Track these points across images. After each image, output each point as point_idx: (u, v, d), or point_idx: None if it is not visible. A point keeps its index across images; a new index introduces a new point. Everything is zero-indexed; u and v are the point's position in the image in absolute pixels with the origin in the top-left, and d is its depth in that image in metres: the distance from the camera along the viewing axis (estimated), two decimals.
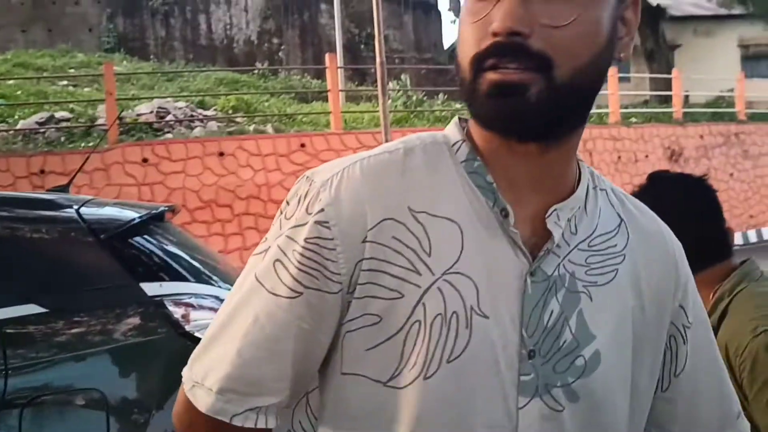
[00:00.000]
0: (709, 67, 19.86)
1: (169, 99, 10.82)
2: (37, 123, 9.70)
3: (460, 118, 0.93)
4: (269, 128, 10.41)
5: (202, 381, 0.87)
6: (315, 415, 0.92)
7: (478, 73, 0.82)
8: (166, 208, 3.23)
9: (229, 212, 9.12)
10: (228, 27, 17.42)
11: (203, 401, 0.86)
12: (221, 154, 9.26)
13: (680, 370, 0.97)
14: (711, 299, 1.64)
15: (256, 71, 14.78)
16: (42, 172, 8.49)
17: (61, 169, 8.42)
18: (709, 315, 1.20)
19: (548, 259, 0.86)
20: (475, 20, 0.82)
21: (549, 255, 0.86)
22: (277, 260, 0.85)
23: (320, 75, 14.26)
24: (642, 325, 0.92)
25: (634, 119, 13.65)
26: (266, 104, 12.04)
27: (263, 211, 9.19)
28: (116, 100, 9.72)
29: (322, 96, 12.70)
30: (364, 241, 0.83)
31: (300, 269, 0.84)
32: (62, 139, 9.40)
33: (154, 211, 3.09)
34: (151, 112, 10.22)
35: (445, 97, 13.19)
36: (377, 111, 8.46)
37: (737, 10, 19.43)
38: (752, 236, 13.74)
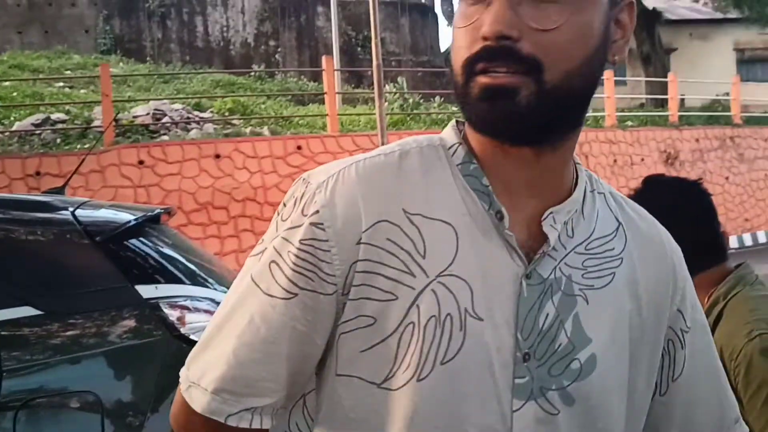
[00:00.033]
0: (705, 71, 19.92)
1: (165, 101, 10.81)
2: (33, 124, 9.69)
3: (457, 121, 0.93)
4: (266, 130, 10.41)
5: (198, 381, 0.87)
6: (311, 417, 0.92)
7: (469, 77, 0.82)
8: (162, 211, 3.23)
9: (225, 214, 9.11)
10: (225, 29, 17.42)
11: (199, 401, 0.86)
12: (217, 156, 9.26)
13: (678, 374, 0.97)
14: (706, 303, 1.64)
15: (252, 73, 14.80)
16: (38, 173, 8.47)
17: (56, 171, 8.41)
18: None
19: (544, 262, 0.86)
20: (466, 24, 0.83)
21: (545, 258, 0.86)
22: (273, 261, 0.86)
23: (317, 77, 14.28)
24: (639, 329, 0.92)
25: (630, 122, 13.69)
26: (263, 106, 12.05)
27: (259, 213, 9.19)
28: (112, 101, 9.71)
29: (318, 98, 12.72)
30: (358, 243, 0.83)
31: (295, 270, 0.84)
32: (58, 140, 9.39)
33: (149, 214, 3.09)
34: (148, 114, 10.21)
35: (442, 99, 13.20)
36: (374, 113, 8.48)
37: (733, 14, 19.48)
38: (747, 240, 13.77)
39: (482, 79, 0.81)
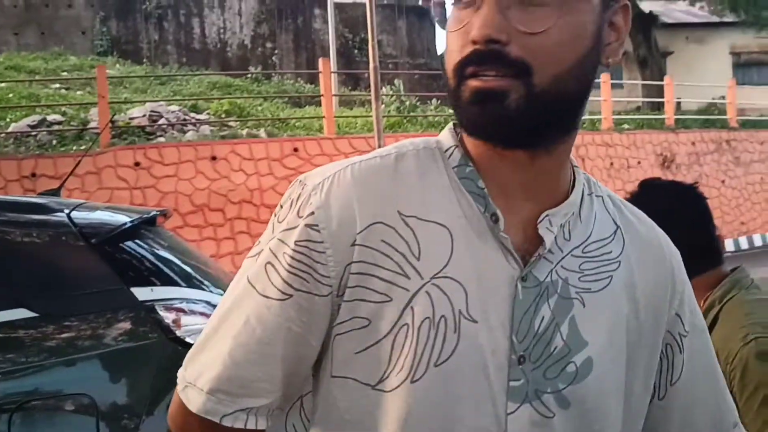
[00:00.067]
0: (701, 74, 19.96)
1: (161, 102, 10.80)
2: (28, 126, 9.68)
3: (454, 124, 0.93)
4: (262, 132, 10.41)
5: (194, 382, 0.87)
6: (308, 418, 0.92)
7: (461, 81, 0.83)
8: (158, 213, 3.22)
9: (221, 216, 9.10)
10: (221, 31, 17.41)
11: (195, 401, 0.87)
12: (214, 158, 9.26)
13: (677, 378, 0.96)
14: (702, 307, 1.64)
15: (249, 75, 14.81)
16: (33, 175, 8.46)
17: (52, 173, 8.40)
18: None
19: (540, 264, 0.86)
20: (457, 28, 0.83)
21: (541, 261, 0.86)
22: (269, 263, 0.86)
23: (313, 79, 14.27)
24: (636, 333, 0.92)
25: (626, 126, 13.71)
26: (259, 108, 12.04)
27: (255, 215, 9.19)
28: (109, 103, 9.71)
29: (315, 100, 12.72)
30: (353, 245, 0.84)
31: (290, 272, 0.84)
32: (54, 142, 9.38)
33: (145, 216, 3.08)
34: (144, 115, 10.20)
35: (438, 102, 13.21)
36: (370, 116, 8.48)
37: (729, 18, 19.52)
38: (743, 243, 13.80)
39: (473, 83, 0.81)
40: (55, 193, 3.51)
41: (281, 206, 0.89)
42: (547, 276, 0.87)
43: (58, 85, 12.34)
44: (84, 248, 2.73)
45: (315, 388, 0.90)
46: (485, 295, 0.84)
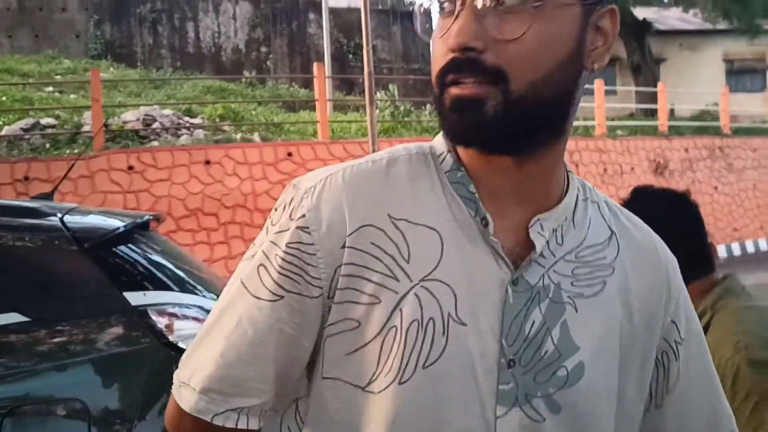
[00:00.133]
0: (695, 81, 20.04)
1: (155, 106, 10.78)
2: (22, 129, 9.64)
3: None
4: (256, 137, 10.39)
5: (187, 381, 0.88)
6: (303, 420, 0.92)
7: (443, 88, 0.84)
8: (151, 217, 3.22)
9: (215, 221, 9.08)
10: (216, 35, 17.41)
11: (188, 401, 0.88)
12: (207, 162, 9.24)
13: (673, 386, 0.97)
14: None
15: (243, 80, 14.79)
16: (26, 178, 8.43)
17: (45, 176, 8.36)
18: None
19: (532, 269, 0.87)
20: (439, 36, 0.84)
21: (532, 265, 0.87)
22: (261, 264, 0.87)
23: (308, 84, 14.28)
24: (630, 337, 0.92)
25: (620, 132, 13.75)
26: (253, 113, 12.04)
27: (249, 220, 9.17)
28: (102, 107, 9.68)
29: (309, 105, 12.72)
30: (343, 247, 0.84)
31: (281, 273, 0.85)
32: (47, 145, 9.35)
33: (138, 220, 3.08)
34: (138, 119, 10.18)
35: (433, 107, 13.18)
36: (365, 121, 8.48)
37: (722, 26, 19.60)
38: (736, 249, 13.84)
39: (453, 90, 0.82)
40: (48, 196, 3.51)
41: (275, 209, 0.90)
42: (539, 280, 0.87)
43: (51, 89, 12.31)
44: (77, 252, 2.73)
45: (308, 390, 0.91)
46: (475, 299, 0.85)
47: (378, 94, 11.97)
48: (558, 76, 0.82)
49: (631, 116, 16.99)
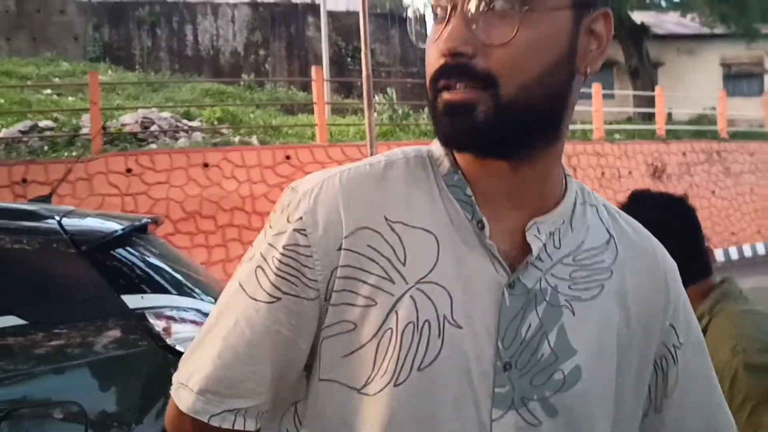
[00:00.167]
0: (692, 85, 20.08)
1: (153, 109, 10.78)
2: (20, 132, 9.64)
3: None
4: (254, 140, 10.40)
5: (186, 382, 0.89)
6: (301, 422, 0.92)
7: (435, 93, 0.84)
8: (149, 220, 3.22)
9: (213, 224, 9.08)
10: (214, 38, 17.42)
11: (185, 401, 0.88)
12: (206, 165, 9.24)
13: (671, 390, 0.96)
14: None
15: (242, 83, 14.79)
16: (24, 181, 8.42)
17: (43, 179, 8.36)
18: None
19: (528, 272, 0.87)
20: (432, 41, 0.85)
21: (529, 268, 0.87)
22: (259, 266, 0.87)
23: (306, 87, 14.29)
24: (628, 342, 0.92)
25: (617, 136, 13.76)
26: (252, 116, 12.04)
27: (247, 222, 9.17)
28: (100, 109, 9.68)
29: (307, 108, 12.72)
30: (339, 249, 0.85)
31: (278, 275, 0.86)
32: (45, 148, 9.34)
33: (136, 223, 3.08)
34: (136, 122, 10.18)
35: None
36: (363, 124, 8.49)
37: (719, 30, 19.64)
38: (734, 253, 13.86)
39: (445, 95, 0.83)
40: (45, 199, 3.51)
41: (274, 212, 0.91)
42: (535, 283, 0.87)
43: (49, 91, 12.31)
44: (74, 255, 2.72)
45: (306, 392, 0.91)
46: (471, 301, 0.85)
47: (376, 97, 11.97)
48: (548, 80, 0.83)
49: (629, 120, 17.01)
